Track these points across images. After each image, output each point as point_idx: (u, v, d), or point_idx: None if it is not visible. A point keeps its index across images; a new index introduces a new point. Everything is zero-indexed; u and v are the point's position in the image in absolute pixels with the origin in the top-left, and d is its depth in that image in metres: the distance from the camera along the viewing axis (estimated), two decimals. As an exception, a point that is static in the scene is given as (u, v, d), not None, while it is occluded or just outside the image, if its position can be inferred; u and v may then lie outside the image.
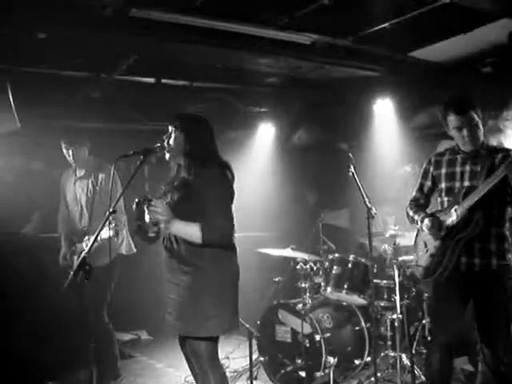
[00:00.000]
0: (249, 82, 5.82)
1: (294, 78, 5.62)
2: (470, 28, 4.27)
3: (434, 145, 4.96)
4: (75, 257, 4.44)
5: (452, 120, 3.28)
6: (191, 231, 2.98)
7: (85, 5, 3.59)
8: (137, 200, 3.01)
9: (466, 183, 3.28)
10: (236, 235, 3.19)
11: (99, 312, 4.38)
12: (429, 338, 4.35)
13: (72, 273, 2.68)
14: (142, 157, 3.05)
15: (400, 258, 4.55)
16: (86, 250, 2.75)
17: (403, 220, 3.79)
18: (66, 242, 4.58)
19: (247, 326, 3.97)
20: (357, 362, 4.57)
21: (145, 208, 3.00)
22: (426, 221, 3.39)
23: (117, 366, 4.62)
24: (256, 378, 4.67)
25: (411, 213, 3.57)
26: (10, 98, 4.55)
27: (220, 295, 3.04)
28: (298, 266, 4.78)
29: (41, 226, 5.75)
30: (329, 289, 4.69)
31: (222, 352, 3.25)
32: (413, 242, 3.65)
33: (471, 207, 3.18)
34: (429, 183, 3.55)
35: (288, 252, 4.80)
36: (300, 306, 4.54)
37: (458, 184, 3.32)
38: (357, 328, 4.66)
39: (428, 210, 3.55)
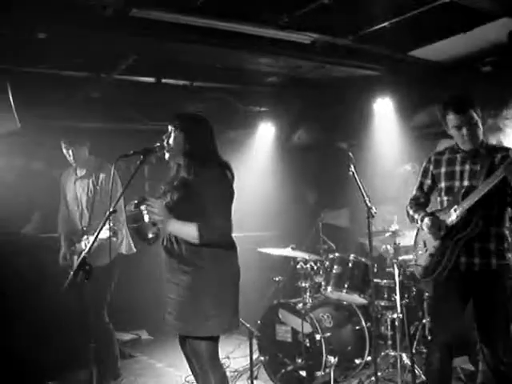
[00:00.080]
0: (249, 81, 5.82)
1: (294, 78, 5.63)
2: (469, 27, 4.26)
3: (434, 144, 4.96)
4: (75, 257, 4.44)
5: (451, 119, 3.28)
6: (188, 231, 2.98)
7: (85, 5, 3.59)
8: (136, 201, 3.01)
9: (466, 182, 3.28)
10: (236, 235, 3.19)
11: (99, 312, 4.38)
12: (429, 338, 4.35)
13: (72, 273, 2.68)
14: (141, 157, 3.05)
15: (400, 258, 4.55)
16: (86, 250, 2.75)
17: (403, 219, 3.79)
18: (66, 242, 4.59)
19: (247, 325, 3.97)
20: (357, 361, 4.57)
21: (143, 208, 3.01)
22: (426, 220, 3.38)
23: (117, 365, 4.61)
24: (256, 378, 4.67)
25: (411, 212, 3.56)
26: (10, 97, 4.55)
27: (220, 295, 3.04)
28: (298, 266, 4.78)
29: (41, 226, 5.75)
30: (329, 288, 4.69)
31: (223, 352, 3.26)
32: (413, 241, 3.65)
33: (470, 207, 3.18)
34: (429, 182, 3.54)
35: (288, 251, 4.80)
36: (300, 305, 4.54)
37: (457, 183, 3.32)
38: (357, 327, 4.66)
39: (428, 209, 3.55)
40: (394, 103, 5.70)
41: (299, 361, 4.40)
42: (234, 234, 3.19)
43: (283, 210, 6.70)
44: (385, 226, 4.83)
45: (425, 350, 4.45)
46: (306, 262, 4.79)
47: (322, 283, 4.77)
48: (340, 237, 5.85)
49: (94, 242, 2.82)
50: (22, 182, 5.56)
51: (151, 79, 5.32)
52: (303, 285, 4.71)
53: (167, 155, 3.14)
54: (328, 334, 4.38)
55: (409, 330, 4.45)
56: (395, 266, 4.48)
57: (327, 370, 4.26)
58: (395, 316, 4.49)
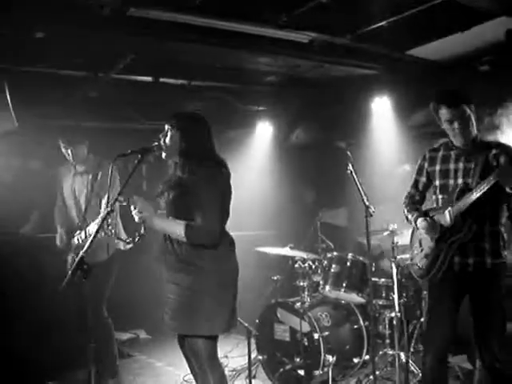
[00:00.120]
0: (247, 80, 5.82)
1: (293, 77, 5.63)
2: (467, 26, 4.27)
3: (432, 143, 4.94)
4: (70, 253, 4.43)
5: (444, 113, 3.27)
6: (175, 230, 2.99)
7: (83, 4, 3.58)
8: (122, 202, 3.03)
9: (460, 180, 3.28)
10: (234, 234, 3.20)
11: (98, 307, 4.37)
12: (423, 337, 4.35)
13: (70, 272, 2.68)
14: (139, 156, 3.06)
15: (398, 257, 4.55)
16: (84, 249, 2.75)
17: (402, 219, 3.79)
18: (63, 228, 4.57)
19: (246, 324, 3.97)
20: (355, 360, 4.57)
21: (132, 207, 3.04)
22: (420, 221, 3.40)
23: (115, 363, 4.60)
24: (255, 377, 4.67)
25: (405, 211, 3.57)
26: (8, 97, 4.54)
27: (219, 295, 3.04)
28: (296, 265, 4.79)
29: (39, 225, 5.74)
30: (327, 287, 4.70)
31: (221, 351, 3.25)
32: (409, 240, 3.66)
33: (463, 211, 3.19)
34: (423, 179, 3.55)
35: (286, 251, 4.80)
36: (298, 304, 4.54)
37: (451, 181, 3.32)
38: (355, 326, 4.67)
39: (423, 207, 3.55)
40: (392, 102, 5.70)
41: (297, 360, 4.41)
42: (231, 233, 3.20)
43: (281, 209, 6.70)
44: (383, 225, 4.83)
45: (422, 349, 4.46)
46: (304, 261, 4.80)
47: (320, 282, 4.77)
48: (338, 236, 5.85)
49: (92, 242, 2.82)
50: (20, 182, 5.56)
51: (149, 78, 5.32)
52: (301, 284, 4.71)
53: (164, 154, 3.15)
54: (326, 333, 4.38)
55: (407, 329, 4.45)
56: (393, 264, 4.48)
57: (325, 369, 4.27)
58: (393, 315, 4.49)
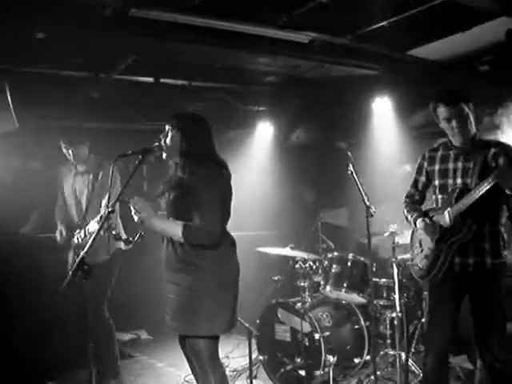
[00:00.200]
0: (247, 81, 5.82)
1: (293, 77, 5.63)
2: (467, 26, 4.27)
3: (432, 143, 4.93)
4: (70, 253, 4.43)
5: (442, 111, 3.27)
6: (173, 231, 3.00)
7: (84, 5, 3.58)
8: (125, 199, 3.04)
9: (459, 180, 3.27)
10: (234, 234, 3.20)
11: (100, 307, 4.37)
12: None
13: (70, 273, 2.68)
14: (140, 156, 3.06)
15: (399, 257, 4.55)
16: (85, 250, 2.75)
17: (403, 219, 3.79)
18: (63, 225, 4.57)
19: (246, 325, 3.97)
20: (356, 360, 4.57)
21: (131, 208, 3.05)
22: (419, 221, 3.40)
23: (117, 364, 4.60)
24: (255, 377, 4.67)
25: (405, 211, 3.57)
26: (9, 97, 4.54)
27: (220, 295, 3.04)
28: (297, 265, 4.79)
29: (39, 225, 5.74)
30: (328, 287, 4.70)
31: (222, 351, 3.25)
32: (409, 240, 3.66)
33: (463, 212, 3.19)
34: (423, 179, 3.54)
35: (287, 251, 4.80)
36: (299, 304, 4.54)
37: (450, 181, 3.32)
38: (356, 327, 4.67)
39: (424, 207, 3.55)
40: (393, 102, 5.70)
41: (298, 360, 4.41)
42: (232, 234, 3.20)
43: (282, 209, 6.70)
44: (384, 226, 4.83)
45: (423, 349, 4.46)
46: (304, 261, 4.80)
47: (321, 282, 4.78)
48: (339, 236, 5.85)
49: (92, 243, 2.82)
50: (20, 182, 5.56)
51: (150, 79, 5.32)
52: (302, 284, 4.71)
53: (164, 155, 3.15)
54: (327, 334, 4.38)
55: (408, 329, 4.46)
56: (394, 265, 4.48)
57: (326, 370, 4.27)
58: (394, 315, 4.50)
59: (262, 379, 4.70)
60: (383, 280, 4.75)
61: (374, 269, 4.71)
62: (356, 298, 4.71)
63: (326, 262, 4.81)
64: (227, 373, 3.56)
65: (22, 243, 5.52)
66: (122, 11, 3.69)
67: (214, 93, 5.96)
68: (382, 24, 4.18)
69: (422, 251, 3.44)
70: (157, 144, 3.13)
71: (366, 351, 4.59)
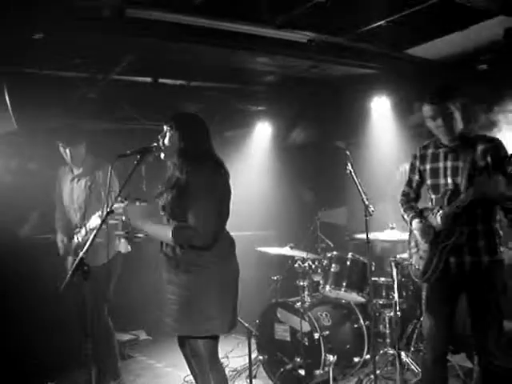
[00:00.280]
0: (246, 80, 5.82)
1: (291, 77, 5.63)
2: (466, 25, 4.27)
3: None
4: (69, 257, 4.43)
5: (426, 110, 3.27)
6: (163, 234, 3.00)
7: (82, 5, 3.58)
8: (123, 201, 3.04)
9: (449, 180, 3.28)
10: (233, 234, 3.20)
11: (100, 311, 4.37)
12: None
13: (69, 274, 2.68)
14: (139, 156, 3.06)
15: (398, 256, 4.56)
16: (84, 250, 2.74)
17: (400, 217, 3.80)
18: (63, 234, 4.57)
19: (246, 324, 3.97)
20: (356, 359, 4.58)
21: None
22: (415, 222, 3.41)
23: (117, 365, 4.60)
24: (255, 377, 4.67)
25: (402, 210, 3.58)
26: (7, 98, 4.54)
27: (220, 295, 3.04)
28: (296, 264, 4.79)
29: (38, 225, 5.74)
30: (327, 287, 4.70)
31: (222, 351, 3.26)
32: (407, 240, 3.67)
33: (453, 215, 3.19)
34: (416, 177, 3.54)
35: (286, 250, 4.81)
36: (299, 304, 4.54)
37: (441, 181, 3.32)
38: (356, 326, 4.67)
39: (421, 205, 3.55)
40: (391, 101, 5.71)
41: (298, 359, 4.41)
42: (231, 233, 3.20)
43: (281, 208, 6.70)
44: (382, 225, 4.84)
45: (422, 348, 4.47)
46: (304, 260, 4.80)
47: (321, 282, 4.78)
48: (338, 235, 5.85)
49: (91, 243, 2.82)
50: (20, 182, 5.55)
51: (148, 79, 5.32)
52: (301, 283, 4.71)
53: (163, 155, 3.15)
54: (327, 333, 4.38)
55: (403, 328, 4.46)
56: (393, 264, 4.49)
57: (326, 369, 4.27)
58: (393, 314, 4.50)
59: (261, 379, 4.70)
60: (382, 279, 4.75)
61: (373, 268, 4.72)
62: (355, 297, 4.71)
63: (326, 262, 4.81)
64: (227, 372, 3.57)
65: (22, 243, 5.52)
66: (120, 11, 3.69)
67: (213, 93, 5.96)
68: (380, 23, 4.17)
69: (417, 251, 3.44)
70: (155, 144, 3.13)
71: (365, 350, 4.60)
